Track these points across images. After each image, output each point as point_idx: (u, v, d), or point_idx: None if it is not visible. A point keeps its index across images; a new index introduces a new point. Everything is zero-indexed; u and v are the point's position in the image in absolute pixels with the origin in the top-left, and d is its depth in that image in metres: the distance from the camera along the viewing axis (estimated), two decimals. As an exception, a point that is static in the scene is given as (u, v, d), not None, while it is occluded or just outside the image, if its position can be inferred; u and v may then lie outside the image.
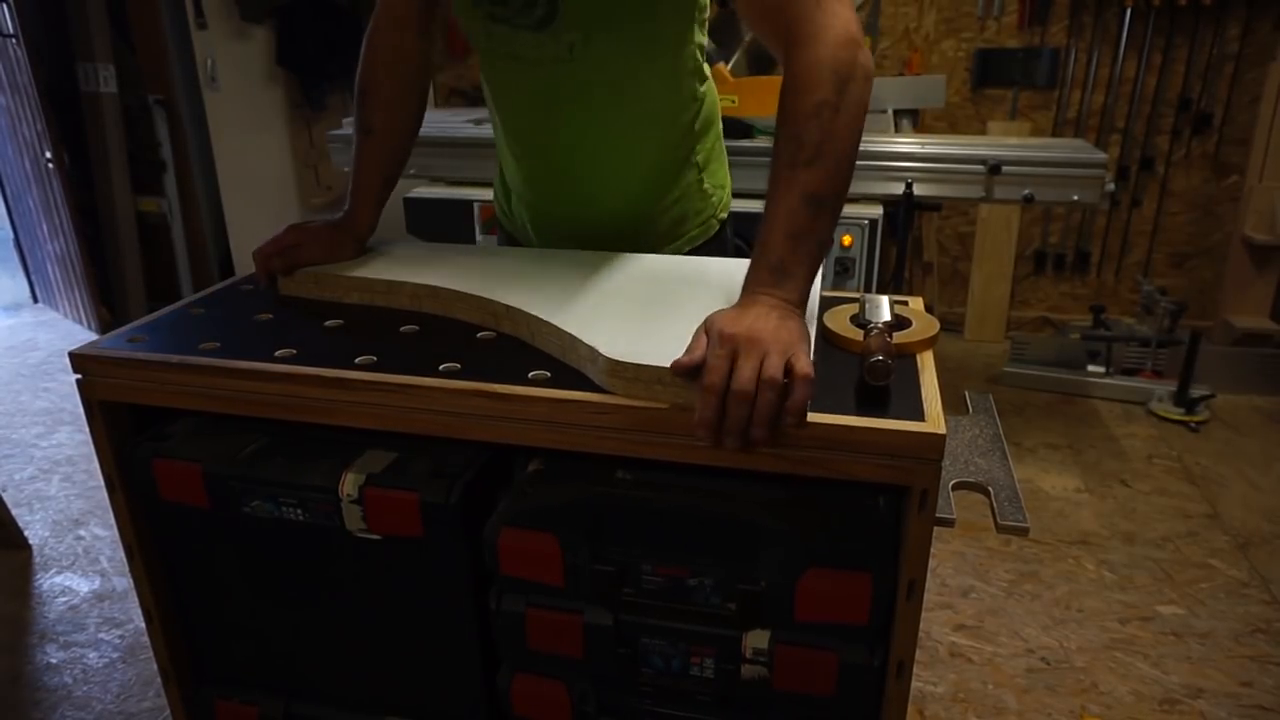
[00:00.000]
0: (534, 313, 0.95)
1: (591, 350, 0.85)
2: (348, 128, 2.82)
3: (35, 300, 4.15)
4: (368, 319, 1.06)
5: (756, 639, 0.85)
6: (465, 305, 1.04)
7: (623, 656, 0.89)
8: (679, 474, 0.86)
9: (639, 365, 0.81)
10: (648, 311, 0.96)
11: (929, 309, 1.05)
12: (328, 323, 1.04)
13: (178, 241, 3.64)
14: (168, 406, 0.95)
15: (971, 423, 1.06)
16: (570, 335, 0.89)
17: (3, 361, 3.49)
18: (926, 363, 0.92)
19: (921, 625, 1.52)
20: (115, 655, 1.88)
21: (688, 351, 0.78)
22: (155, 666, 1.12)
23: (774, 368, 0.74)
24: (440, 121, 2.84)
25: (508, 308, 0.99)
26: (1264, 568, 2.15)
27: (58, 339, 3.72)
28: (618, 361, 0.82)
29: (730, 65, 2.47)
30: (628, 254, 1.17)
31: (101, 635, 1.94)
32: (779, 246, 0.84)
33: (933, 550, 0.83)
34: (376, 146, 1.17)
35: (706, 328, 0.80)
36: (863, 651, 0.84)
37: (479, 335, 0.99)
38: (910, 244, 3.10)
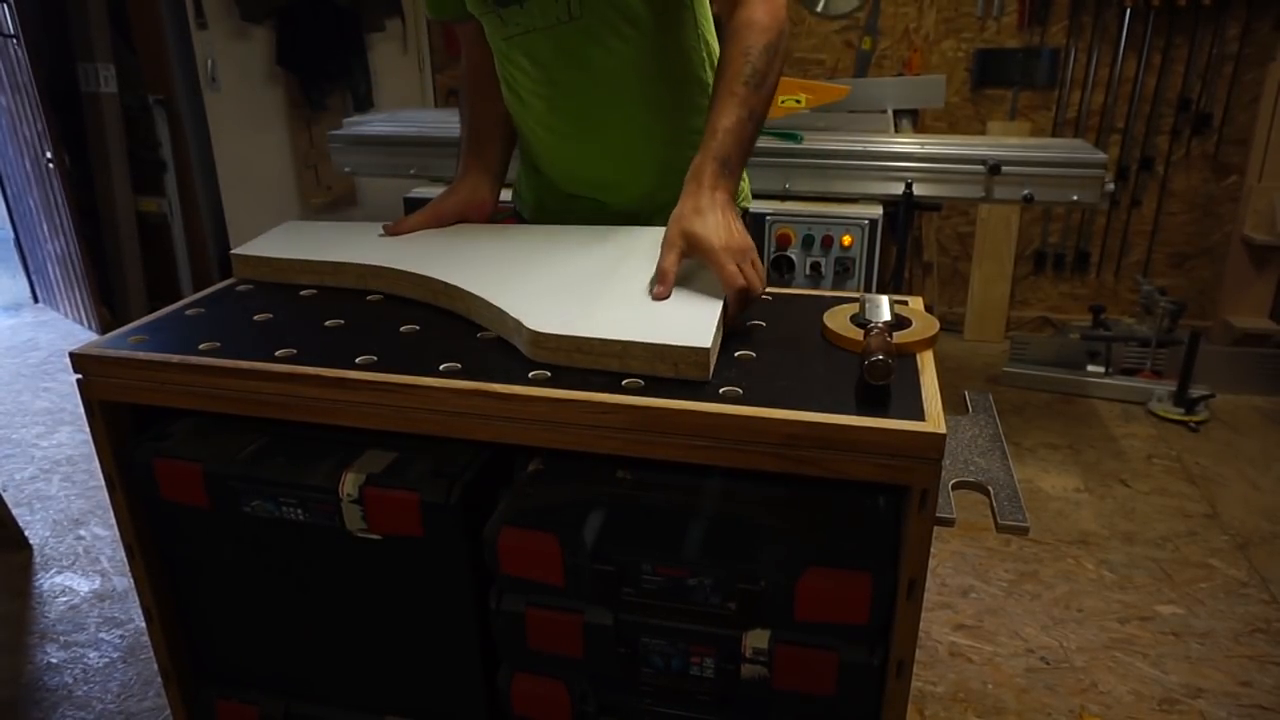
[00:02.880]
0: (469, 289, 1.01)
1: (518, 323, 0.92)
2: (348, 128, 2.82)
3: (36, 300, 4.15)
4: (368, 319, 1.06)
5: (756, 639, 0.85)
6: (407, 283, 1.10)
7: (623, 656, 0.89)
8: (679, 474, 0.86)
9: (559, 336, 0.88)
10: (580, 284, 1.02)
11: (929, 309, 1.05)
12: (328, 322, 1.04)
13: (178, 241, 3.64)
14: (168, 406, 0.95)
15: (971, 422, 1.07)
16: (499, 309, 0.96)
17: (3, 361, 3.49)
18: (926, 362, 0.92)
19: (921, 625, 1.52)
20: (115, 655, 1.88)
21: (661, 262, 0.98)
22: (155, 666, 1.12)
23: (761, 270, 0.99)
24: (440, 121, 2.84)
25: (445, 285, 1.05)
26: (1263, 567, 2.15)
27: (58, 339, 3.72)
28: (539, 333, 0.89)
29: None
30: (578, 227, 1.24)
31: (102, 635, 1.94)
32: (728, 146, 1.03)
33: (932, 550, 0.83)
34: (486, 109, 1.32)
35: (691, 239, 0.98)
36: (863, 651, 0.84)
37: (479, 335, 0.99)
38: (910, 244, 3.10)
